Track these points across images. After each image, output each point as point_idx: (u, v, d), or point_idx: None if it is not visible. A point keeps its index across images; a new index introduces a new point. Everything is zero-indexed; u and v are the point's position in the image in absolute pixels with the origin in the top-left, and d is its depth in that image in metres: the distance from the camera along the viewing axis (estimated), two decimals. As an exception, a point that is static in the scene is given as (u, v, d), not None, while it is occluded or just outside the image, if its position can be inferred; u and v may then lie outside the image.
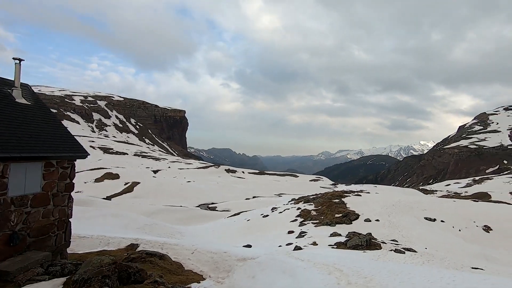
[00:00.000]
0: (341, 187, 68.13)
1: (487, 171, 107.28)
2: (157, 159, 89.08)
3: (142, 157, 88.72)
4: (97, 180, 52.71)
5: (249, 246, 15.06)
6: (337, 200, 24.23)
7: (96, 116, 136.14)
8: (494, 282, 4.55)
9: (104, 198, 40.38)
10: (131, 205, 35.94)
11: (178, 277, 5.88)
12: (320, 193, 31.00)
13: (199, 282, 5.92)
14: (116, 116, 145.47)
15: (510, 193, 53.70)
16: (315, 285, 4.73)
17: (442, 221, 19.20)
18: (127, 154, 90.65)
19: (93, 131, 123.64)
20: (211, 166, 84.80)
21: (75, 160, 7.83)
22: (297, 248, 13.73)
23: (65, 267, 5.94)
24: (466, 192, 61.99)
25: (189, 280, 5.86)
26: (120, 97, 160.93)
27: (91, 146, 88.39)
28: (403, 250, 12.54)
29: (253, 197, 49.79)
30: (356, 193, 28.38)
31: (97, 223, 14.95)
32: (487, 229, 18.01)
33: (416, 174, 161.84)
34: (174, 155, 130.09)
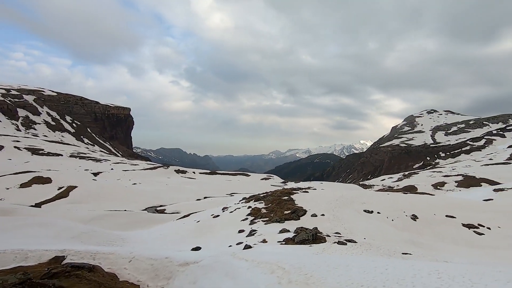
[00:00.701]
0: (290, 185, 70.80)
1: (414, 167, 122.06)
2: (98, 160, 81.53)
3: (80, 159, 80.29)
4: (24, 186, 46.03)
5: (198, 248, 14.57)
6: (286, 197, 24.93)
7: (22, 112, 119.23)
8: (420, 268, 5.01)
9: (32, 206, 35.52)
10: (66, 211, 32.20)
11: (111, 290, 5.27)
12: (270, 191, 31.63)
13: (136, 293, 5.37)
14: (48, 113, 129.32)
15: (432, 185, 61.84)
16: (256, 286, 4.65)
17: (378, 212, 21.07)
18: (62, 155, 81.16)
19: (18, 130, 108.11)
20: (159, 166, 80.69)
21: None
22: (247, 246, 13.69)
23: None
24: (397, 185, 69.62)
25: (124, 291, 5.30)
26: (52, 91, 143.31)
27: (15, 147, 77.08)
28: (345, 242, 13.37)
29: (205, 197, 48.79)
30: (304, 190, 29.58)
31: (17, 235, 12.87)
32: (414, 217, 20.28)
33: (357, 171, 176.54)
34: (118, 156, 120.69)
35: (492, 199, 33.21)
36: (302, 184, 69.08)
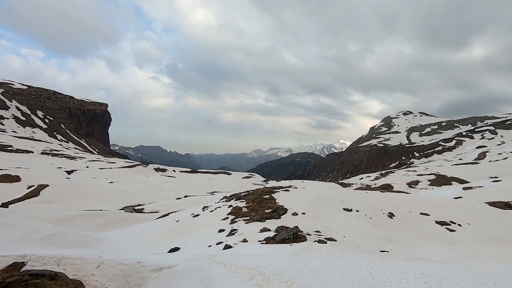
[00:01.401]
0: (272, 183, 71.16)
1: (390, 166, 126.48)
2: (72, 158, 77.96)
3: (52, 156, 76.40)
4: (-12, 184, 43.07)
5: (176, 249, 14.15)
6: (267, 196, 24.86)
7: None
8: (404, 271, 4.99)
9: (-3, 206, 33.25)
10: (36, 212, 30.41)
11: (75, 299, 4.83)
12: (251, 190, 31.50)
13: (103, 302, 4.97)
14: (17, 107, 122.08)
15: (407, 184, 64.26)
16: (232, 297, 4.44)
17: (357, 210, 21.48)
18: (32, 152, 76.85)
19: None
20: (138, 165, 78.37)
21: None
22: (227, 246, 13.45)
23: None
24: (375, 184, 71.77)
25: (91, 300, 4.88)
26: (22, 84, 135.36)
27: (-21, 143, 72.14)
28: (325, 240, 13.44)
29: (185, 196, 47.94)
30: (285, 189, 29.69)
31: (-23, 238, 11.88)
32: (391, 215, 20.85)
33: (336, 170, 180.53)
34: (94, 153, 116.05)
35: (461, 197, 34.95)
36: (283, 183, 69.61)
